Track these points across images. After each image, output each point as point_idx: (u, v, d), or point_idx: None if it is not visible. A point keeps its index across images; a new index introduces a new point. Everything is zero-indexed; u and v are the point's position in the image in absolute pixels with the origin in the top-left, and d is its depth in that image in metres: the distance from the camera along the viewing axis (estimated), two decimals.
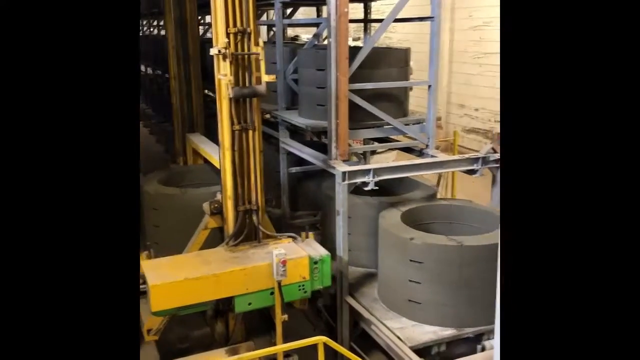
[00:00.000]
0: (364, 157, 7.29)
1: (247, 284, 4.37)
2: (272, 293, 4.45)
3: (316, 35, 6.55)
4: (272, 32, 10.00)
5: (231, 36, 4.46)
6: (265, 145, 8.11)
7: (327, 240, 6.25)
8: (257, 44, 4.56)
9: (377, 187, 5.14)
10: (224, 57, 4.47)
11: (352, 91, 5.16)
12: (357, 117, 5.50)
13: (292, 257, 4.48)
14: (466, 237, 4.77)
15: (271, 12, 10.79)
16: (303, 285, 4.54)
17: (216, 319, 5.00)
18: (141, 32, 17.58)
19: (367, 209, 5.57)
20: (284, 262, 4.28)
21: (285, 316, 4.52)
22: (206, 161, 6.83)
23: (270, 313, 4.64)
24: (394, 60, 5.82)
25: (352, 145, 6.18)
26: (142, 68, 17.93)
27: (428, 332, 4.62)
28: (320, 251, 4.71)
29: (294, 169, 6.85)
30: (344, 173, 4.93)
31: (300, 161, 6.46)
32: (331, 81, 5.06)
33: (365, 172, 5.02)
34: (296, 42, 10.87)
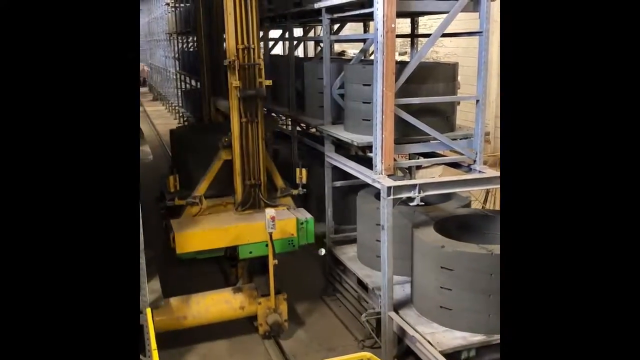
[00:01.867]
0: (409, 171, 7.24)
1: (248, 237, 5.79)
2: (267, 245, 5.62)
3: (363, 51, 6.59)
4: (319, 48, 10.12)
5: (239, 51, 5.81)
6: (309, 159, 8.27)
7: (362, 249, 6.32)
8: (259, 57, 5.93)
9: None
10: (234, 67, 5.79)
11: (399, 106, 5.16)
12: (403, 132, 5.49)
13: (284, 218, 5.89)
14: (498, 246, 4.74)
15: (319, 28, 10.93)
16: (292, 241, 5.95)
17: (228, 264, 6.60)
18: (192, 48, 18.17)
19: (401, 218, 5.61)
20: (272, 218, 5.39)
21: (276, 261, 5.64)
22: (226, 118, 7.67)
23: (266, 260, 5.75)
24: (441, 75, 5.79)
25: (398, 159, 6.16)
26: (193, 83, 18.47)
27: (458, 338, 4.77)
28: (306, 215, 6.14)
29: (338, 183, 6.89)
30: (389, 188, 4.92)
31: (345, 175, 6.49)
32: (377, 96, 5.08)
33: (411, 187, 4.99)
34: (343, 57, 10.96)
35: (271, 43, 10.01)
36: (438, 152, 6.18)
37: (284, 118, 9.90)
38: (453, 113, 6.06)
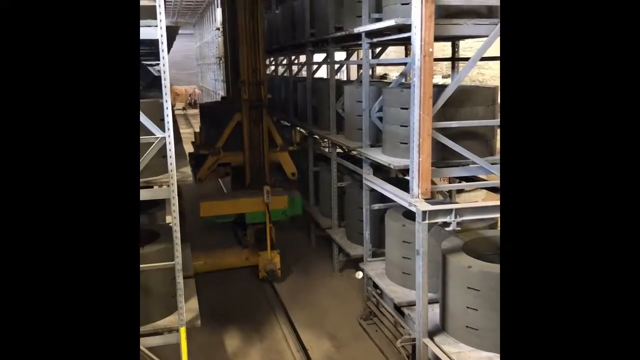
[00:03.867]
0: (449, 195, 7.14)
1: (253, 207, 8.01)
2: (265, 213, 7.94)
3: (403, 74, 6.60)
4: (361, 71, 10.18)
5: (249, 72, 8.26)
6: (349, 179, 8.34)
7: (389, 266, 6.41)
8: (263, 77, 8.35)
9: None
10: (244, 83, 8.28)
11: (436, 129, 5.12)
12: (442, 155, 5.44)
13: (278, 195, 8.20)
14: None
15: (361, 51, 11.01)
16: (284, 211, 8.26)
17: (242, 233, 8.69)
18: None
19: (429, 237, 5.49)
20: (268, 192, 7.77)
21: (271, 225, 7.95)
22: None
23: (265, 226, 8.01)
24: (481, 99, 5.72)
25: (437, 183, 6.09)
26: None
27: (484, 358, 4.77)
28: (295, 193, 8.55)
29: (376, 206, 6.86)
30: (424, 212, 4.86)
31: (384, 198, 6.46)
32: (414, 119, 5.06)
33: (447, 212, 4.92)
34: (384, 80, 11.00)
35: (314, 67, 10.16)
36: (479, 176, 6.07)
37: (325, 140, 9.97)
38: (493, 137, 5.95)
